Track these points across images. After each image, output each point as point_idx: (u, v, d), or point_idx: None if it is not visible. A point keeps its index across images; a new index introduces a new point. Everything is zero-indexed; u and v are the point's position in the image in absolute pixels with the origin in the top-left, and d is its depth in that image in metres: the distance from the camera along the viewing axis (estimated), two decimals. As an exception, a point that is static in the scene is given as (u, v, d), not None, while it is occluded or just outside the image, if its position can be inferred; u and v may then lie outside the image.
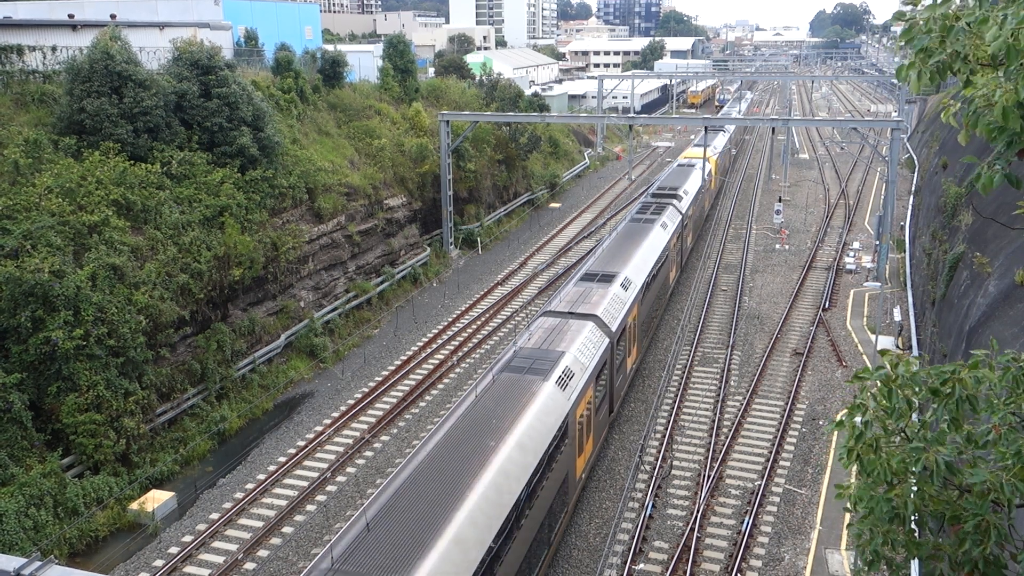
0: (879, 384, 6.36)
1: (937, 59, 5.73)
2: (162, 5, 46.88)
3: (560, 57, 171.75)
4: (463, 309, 40.39)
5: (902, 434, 6.30)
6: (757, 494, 23.87)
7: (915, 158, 67.06)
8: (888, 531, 6.10)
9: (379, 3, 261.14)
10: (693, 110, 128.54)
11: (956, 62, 5.71)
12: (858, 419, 6.33)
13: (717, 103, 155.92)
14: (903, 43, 6.08)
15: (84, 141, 29.26)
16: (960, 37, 5.68)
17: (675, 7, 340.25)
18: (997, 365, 6.11)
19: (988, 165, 6.08)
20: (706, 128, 59.08)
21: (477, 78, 69.74)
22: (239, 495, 24.92)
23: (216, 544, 22.59)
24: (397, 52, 53.75)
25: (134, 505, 23.75)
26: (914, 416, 6.43)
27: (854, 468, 6.35)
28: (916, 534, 6.26)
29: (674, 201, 41.28)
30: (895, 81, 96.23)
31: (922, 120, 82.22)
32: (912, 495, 5.98)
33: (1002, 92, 5.24)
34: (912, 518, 6.03)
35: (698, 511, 22.97)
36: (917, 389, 6.19)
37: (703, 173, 49.18)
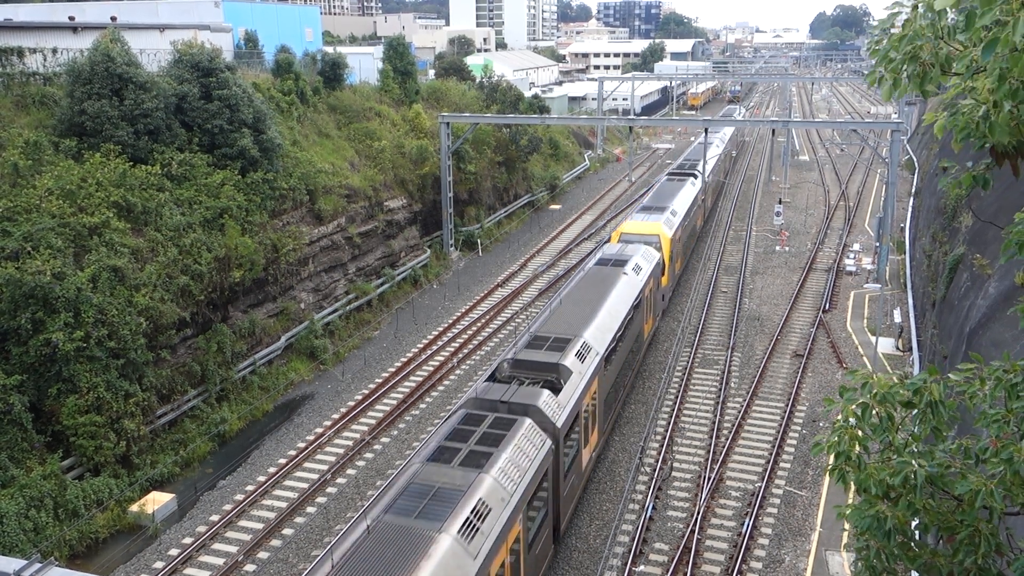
0: (855, 403, 6.40)
1: (904, 63, 5.76)
2: (163, 7, 46.94)
3: (560, 59, 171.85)
4: (463, 311, 40.40)
5: (890, 448, 6.32)
6: (757, 496, 23.87)
7: (915, 160, 67.07)
8: (884, 545, 6.12)
9: (379, 5, 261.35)
10: (693, 112, 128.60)
11: (930, 70, 5.73)
12: (837, 437, 6.36)
13: (729, 93, 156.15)
14: (871, 53, 6.13)
15: (84, 143, 29.28)
16: (932, 47, 5.71)
17: (675, 9, 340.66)
18: (987, 377, 6.12)
19: (976, 170, 6.16)
20: (686, 162, 51.43)
21: (477, 80, 69.78)
22: (239, 497, 24.92)
23: (216, 546, 22.59)
24: (397, 54, 53.79)
25: (134, 507, 23.75)
26: (912, 429, 6.44)
27: (850, 487, 6.38)
28: (913, 546, 6.27)
29: (542, 398, 19.67)
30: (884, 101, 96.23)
31: (922, 122, 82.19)
32: (903, 509, 6.00)
33: (992, 109, 5.29)
34: (898, 530, 6.04)
35: (698, 513, 22.96)
36: (896, 404, 6.22)
37: (643, 276, 30.88)
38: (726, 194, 66.40)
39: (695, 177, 48.83)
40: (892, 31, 5.99)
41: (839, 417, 6.44)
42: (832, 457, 6.28)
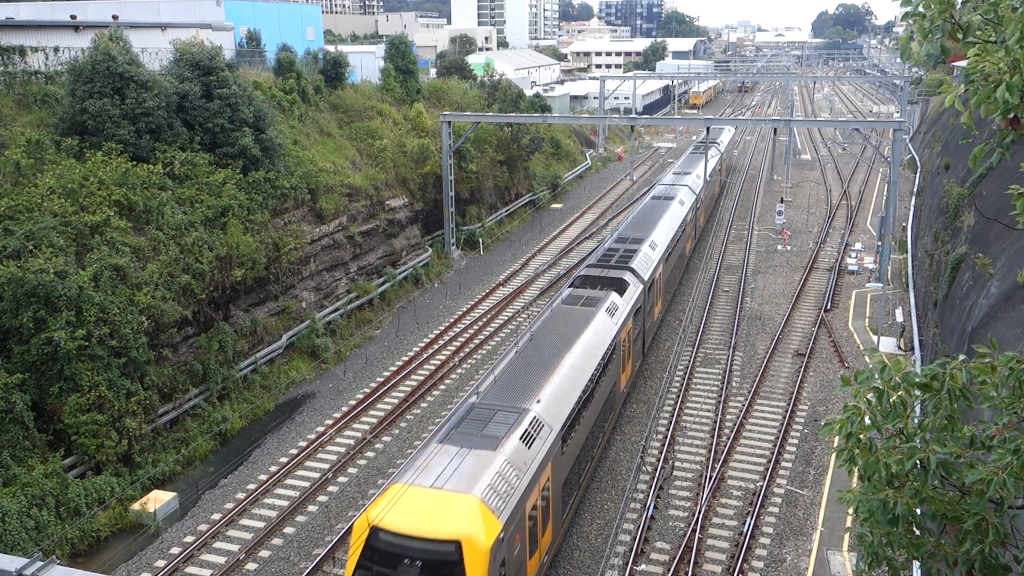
0: (871, 389, 6.36)
1: (934, 23, 5.83)
2: (164, 6, 46.95)
3: (562, 58, 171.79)
4: (465, 310, 40.40)
5: (900, 435, 6.30)
6: (759, 495, 23.86)
7: (917, 159, 67.03)
8: (888, 532, 6.10)
9: (381, 4, 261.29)
10: (695, 111, 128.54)
11: (956, 32, 5.81)
12: (848, 419, 6.33)
13: (739, 84, 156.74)
14: (904, 12, 6.16)
15: (86, 142, 29.30)
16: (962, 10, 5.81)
17: (677, 8, 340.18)
18: (1000, 366, 6.09)
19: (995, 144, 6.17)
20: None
21: (479, 79, 69.77)
22: (241, 495, 24.94)
23: (218, 544, 22.61)
24: (399, 53, 53.79)
25: (136, 505, 23.77)
26: (914, 417, 6.42)
27: (854, 472, 6.35)
28: (916, 534, 6.25)
29: None
30: (897, 82, 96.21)
31: (924, 121, 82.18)
32: (909, 496, 5.97)
33: (1008, 71, 5.31)
34: (909, 518, 6.02)
35: (700, 512, 22.96)
36: (911, 390, 6.19)
37: None
38: (727, 193, 66.11)
39: (620, 290, 28.08)
40: None
41: (852, 400, 6.41)
42: (844, 439, 6.24)
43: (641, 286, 30.02)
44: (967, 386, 6.03)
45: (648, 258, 32.79)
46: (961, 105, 6.10)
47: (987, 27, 5.73)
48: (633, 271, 30.41)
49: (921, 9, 5.91)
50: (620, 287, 28.65)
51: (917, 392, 6.19)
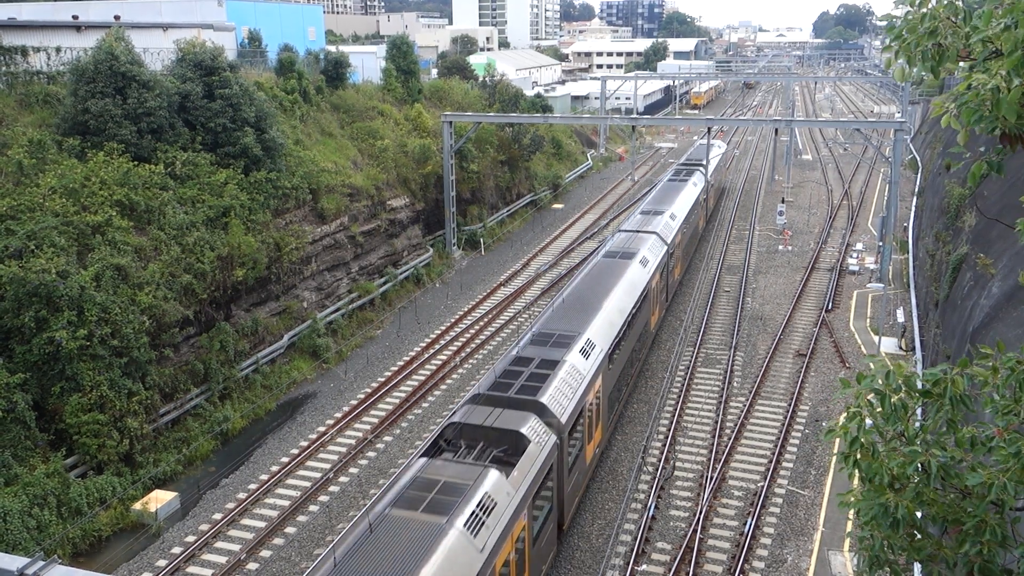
0: (872, 391, 6.34)
1: (921, 41, 5.75)
2: (166, 6, 47.04)
3: (563, 58, 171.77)
4: (466, 310, 40.42)
5: (901, 438, 6.29)
6: (760, 495, 23.86)
7: (918, 159, 66.99)
8: (888, 535, 6.09)
9: (382, 4, 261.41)
10: (696, 111, 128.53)
11: (949, 49, 5.73)
12: (851, 424, 6.30)
13: (741, 84, 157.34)
14: (890, 40, 6.10)
15: (88, 142, 29.33)
16: (946, 30, 5.73)
17: (678, 8, 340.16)
18: (1001, 367, 6.08)
19: (985, 160, 6.13)
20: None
21: (480, 79, 69.79)
22: (242, 495, 24.95)
23: (219, 544, 22.63)
24: (400, 53, 53.83)
25: (137, 505, 23.79)
26: (916, 419, 6.41)
27: (855, 475, 6.34)
28: (917, 537, 6.24)
29: None
30: (897, 82, 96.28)
31: (925, 121, 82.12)
32: (909, 499, 5.97)
33: (1003, 85, 5.25)
34: (909, 521, 6.01)
35: (701, 512, 22.96)
36: (912, 393, 6.17)
37: None
38: (729, 193, 65.97)
39: (513, 454, 17.92)
40: (910, 9, 5.96)
41: (854, 402, 6.38)
42: (847, 444, 6.22)
43: (553, 438, 19.14)
44: (968, 393, 6.01)
45: (574, 376, 21.59)
46: (957, 124, 6.05)
47: (980, 45, 5.63)
48: (542, 410, 19.51)
49: (906, 34, 5.82)
50: (514, 448, 18.02)
51: (917, 394, 6.18)
